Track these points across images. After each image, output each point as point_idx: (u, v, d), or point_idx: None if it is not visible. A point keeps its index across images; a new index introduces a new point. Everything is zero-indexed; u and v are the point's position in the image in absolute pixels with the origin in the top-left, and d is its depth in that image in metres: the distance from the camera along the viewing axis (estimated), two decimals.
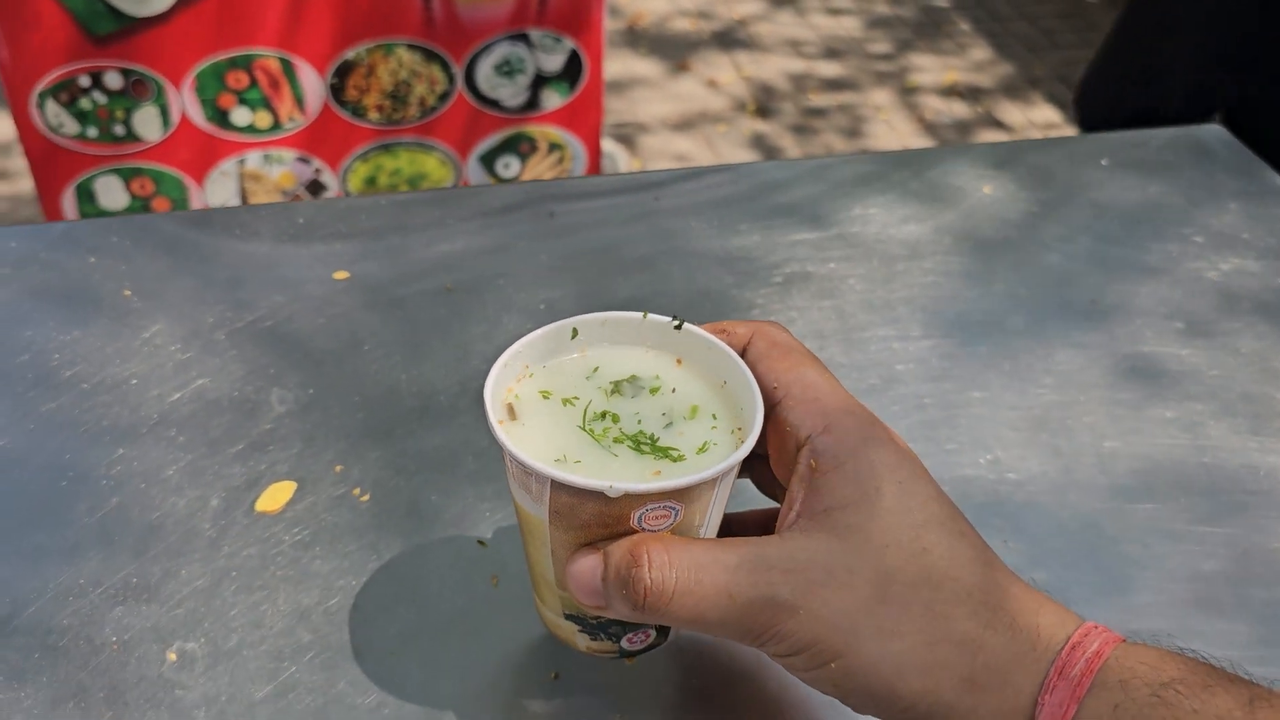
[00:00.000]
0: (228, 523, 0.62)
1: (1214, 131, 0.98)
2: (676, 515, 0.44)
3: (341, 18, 1.98)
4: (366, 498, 0.63)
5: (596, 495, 0.43)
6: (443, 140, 2.17)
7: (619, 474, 0.46)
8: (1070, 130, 3.11)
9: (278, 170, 2.13)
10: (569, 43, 2.10)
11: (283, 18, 1.97)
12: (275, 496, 0.63)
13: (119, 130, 1.99)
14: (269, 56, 1.96)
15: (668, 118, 3.24)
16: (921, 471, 0.46)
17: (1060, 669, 0.42)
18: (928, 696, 0.42)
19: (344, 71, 2.01)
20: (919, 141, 3.14)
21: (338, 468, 0.65)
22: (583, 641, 0.52)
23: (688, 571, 0.43)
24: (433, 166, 2.20)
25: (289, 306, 0.76)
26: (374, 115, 2.07)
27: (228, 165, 2.06)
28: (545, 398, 0.49)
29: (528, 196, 0.87)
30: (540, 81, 2.12)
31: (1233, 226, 0.87)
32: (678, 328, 0.50)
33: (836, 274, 0.82)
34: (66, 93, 1.91)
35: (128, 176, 2.05)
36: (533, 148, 2.22)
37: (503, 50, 2.08)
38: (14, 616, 0.57)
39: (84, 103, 1.93)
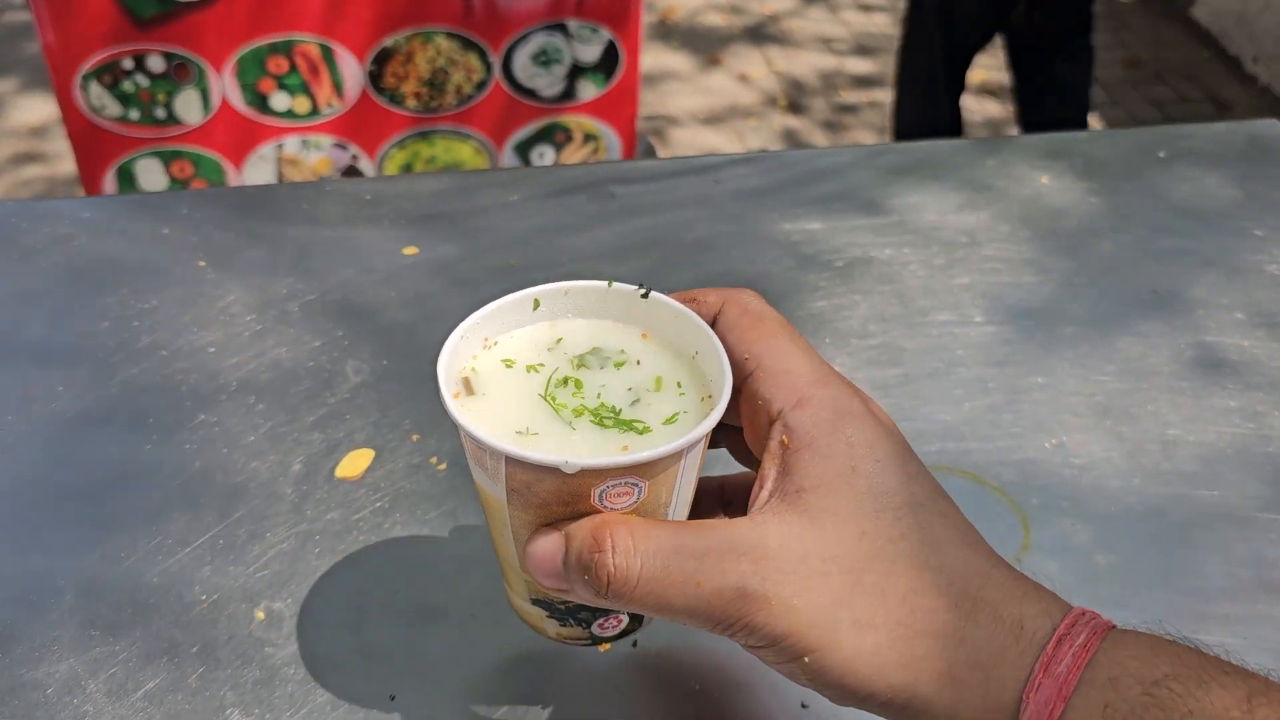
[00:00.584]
0: (309, 488, 0.63)
1: (1270, 126, 0.99)
2: (640, 493, 0.41)
3: (382, 5, 2.00)
4: (443, 466, 0.64)
5: (553, 471, 0.40)
6: (478, 129, 2.17)
7: (579, 449, 0.43)
8: (1106, 128, 3.10)
9: (315, 156, 2.14)
10: (606, 33, 2.10)
11: (324, 4, 1.98)
12: (355, 463, 0.65)
13: (160, 113, 2.00)
14: (309, 42, 1.98)
15: (698, 111, 3.25)
16: (902, 448, 0.43)
17: (1045, 665, 0.39)
18: (905, 692, 0.39)
19: (383, 59, 2.02)
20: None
21: (414, 437, 0.66)
22: (552, 628, 0.49)
23: (653, 557, 0.39)
24: (468, 155, 2.21)
25: (359, 280, 0.77)
26: (411, 103, 2.08)
27: (266, 150, 2.07)
28: (508, 366, 0.46)
29: (589, 178, 0.88)
30: (577, 72, 2.12)
31: None
32: (644, 296, 0.47)
33: (897, 259, 0.82)
34: (110, 75, 1.93)
35: (168, 159, 2.07)
36: (568, 138, 2.23)
37: (540, 40, 2.08)
38: (104, 574, 0.58)
39: (126, 85, 1.95)
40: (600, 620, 0.48)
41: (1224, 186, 0.92)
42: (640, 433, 0.44)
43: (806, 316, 0.77)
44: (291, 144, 2.06)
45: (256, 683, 0.53)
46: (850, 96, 3.32)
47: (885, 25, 3.66)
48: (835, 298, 0.78)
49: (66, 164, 2.71)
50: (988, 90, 3.34)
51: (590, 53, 2.11)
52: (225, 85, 1.96)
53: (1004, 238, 0.86)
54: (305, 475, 0.64)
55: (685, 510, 0.45)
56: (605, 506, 0.41)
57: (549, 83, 2.11)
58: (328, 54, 1.98)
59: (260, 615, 0.57)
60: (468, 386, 0.46)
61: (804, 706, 0.53)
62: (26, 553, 0.58)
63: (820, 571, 0.39)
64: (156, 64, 1.92)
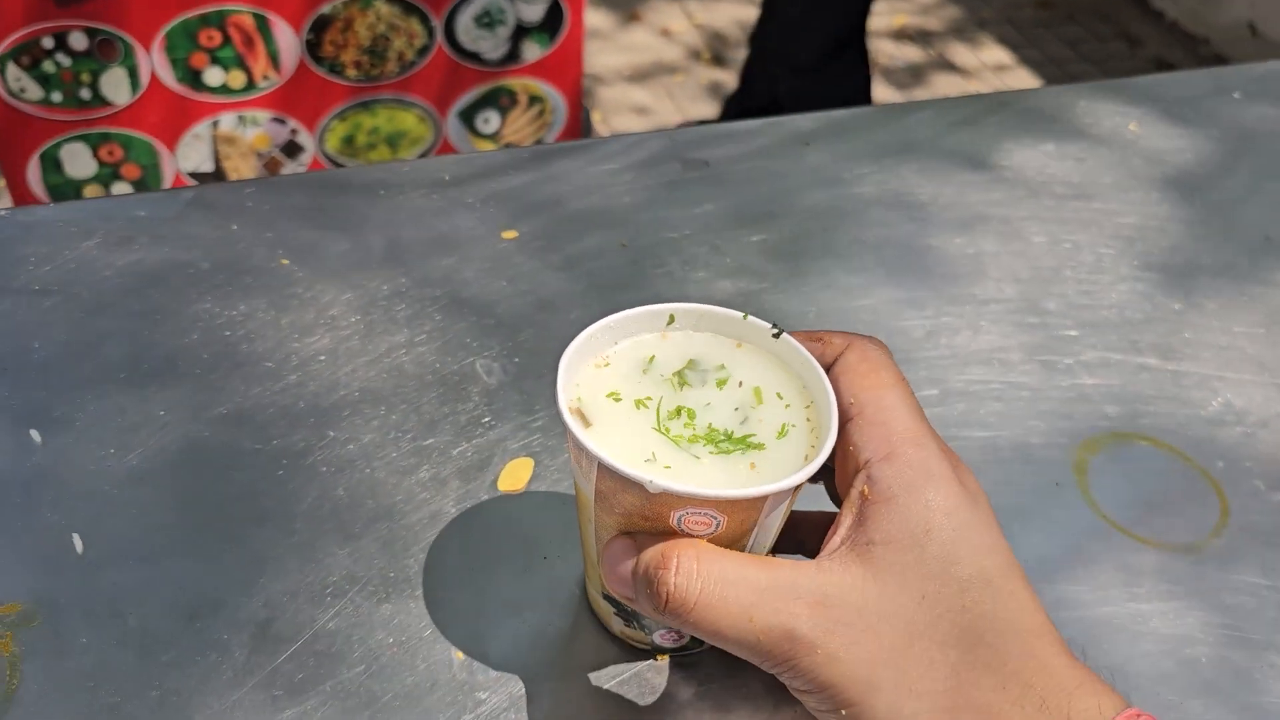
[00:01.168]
0: (474, 505, 0.57)
1: None
2: (718, 525, 0.42)
3: None
4: None
5: (637, 487, 0.41)
6: (422, 96, 2.08)
7: (712, 477, 0.43)
8: (1022, 70, 3.14)
9: (253, 132, 2.02)
10: None
11: None
12: (516, 474, 0.59)
13: (85, 94, 1.86)
14: (242, 12, 1.85)
15: (622, 69, 3.18)
16: (983, 520, 0.42)
17: None
18: None
19: (320, 27, 1.91)
20: (878, 88, 3.13)
21: None
22: (617, 625, 0.50)
23: (714, 585, 0.40)
24: (411, 124, 2.12)
25: (464, 270, 0.70)
26: (352, 72, 1.97)
27: (200, 128, 1.95)
28: (615, 401, 0.46)
29: (672, 145, 0.82)
30: (521, 32, 2.05)
31: None
32: (776, 336, 0.47)
33: (1014, 216, 0.79)
34: (28, 55, 1.78)
35: (95, 143, 1.93)
36: (513, 101, 2.15)
37: (483, 1, 2.00)
38: (272, 624, 0.51)
39: (47, 66, 1.80)
40: (662, 631, 0.49)
41: None
42: (753, 447, 0.44)
43: (937, 278, 0.73)
44: (227, 121, 1.94)
45: None
46: None
47: None
48: (962, 260, 0.75)
49: None
50: (906, 35, 3.35)
51: (534, 11, 2.03)
52: (154, 61, 1.82)
53: (1112, 189, 0.83)
54: (466, 492, 0.58)
55: (765, 546, 0.45)
56: (683, 530, 0.42)
57: (493, 45, 2.02)
58: (262, 24, 1.86)
59: (459, 656, 0.51)
60: (583, 419, 0.45)
61: None
62: (177, 610, 0.51)
63: (874, 628, 0.40)
64: (79, 41, 1.78)
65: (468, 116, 2.09)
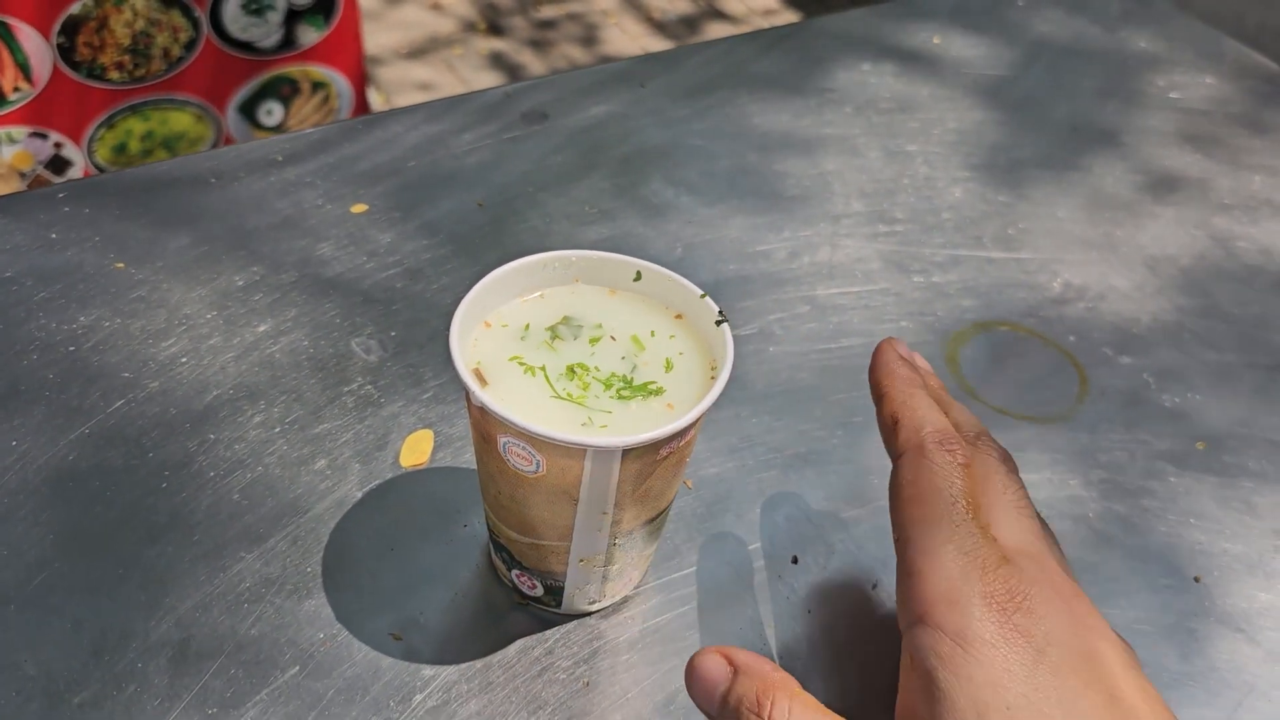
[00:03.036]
0: (381, 485, 0.55)
1: None
2: (538, 465, 0.42)
3: None
4: None
5: (477, 404, 0.42)
6: (195, 93, 1.97)
7: (628, 426, 0.43)
8: (788, 14, 3.24)
9: (9, 151, 1.87)
10: None
11: None
12: (417, 448, 0.57)
13: None
14: None
15: (398, 47, 3.10)
16: (1046, 681, 0.36)
17: None
18: None
19: (71, 29, 1.78)
20: (654, 42, 3.17)
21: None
22: (499, 565, 0.51)
23: None
24: (187, 124, 2.01)
25: (319, 250, 0.67)
26: (114, 75, 1.85)
27: None
28: (518, 365, 0.46)
29: (507, 100, 0.81)
30: (293, 16, 1.96)
31: (1160, 50, 0.94)
32: (719, 323, 0.46)
33: (848, 134, 0.82)
34: None
35: None
36: (295, 90, 2.07)
37: None
38: (190, 639, 0.48)
39: None
40: (518, 572, 0.49)
41: (1091, 24, 0.97)
42: (657, 392, 0.45)
43: (789, 200, 0.75)
44: None
45: (430, 712, 0.46)
46: (548, 11, 3.28)
47: None
48: (809, 180, 0.77)
49: None
50: None
51: None
52: None
53: (929, 100, 0.87)
54: (369, 473, 0.55)
55: (606, 512, 0.44)
56: (509, 461, 0.42)
57: (265, 32, 1.93)
58: (5, 31, 1.71)
59: (397, 637, 0.49)
60: (480, 378, 0.44)
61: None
62: (79, 648, 0.47)
63: None
64: None
65: (248, 110, 1.99)
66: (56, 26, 1.73)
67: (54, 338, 0.60)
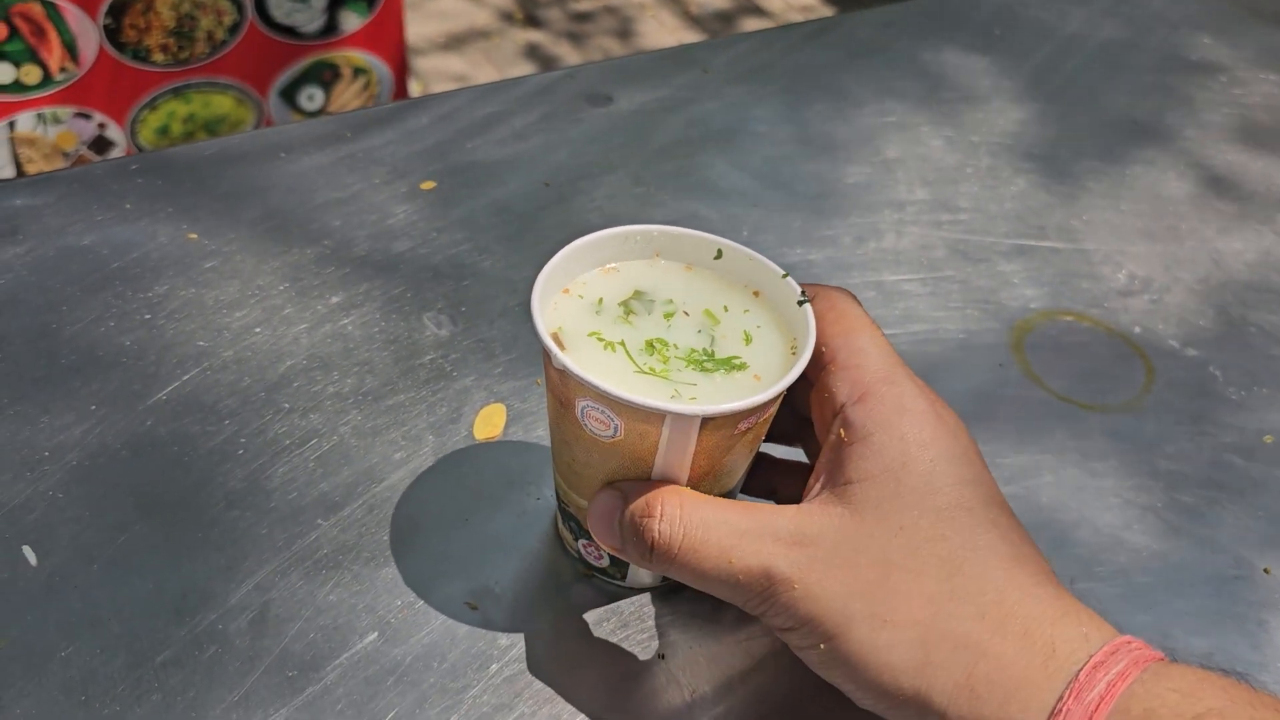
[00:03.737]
0: (455, 456, 0.55)
1: None
2: (616, 429, 0.42)
3: None
4: None
5: (553, 362, 0.42)
6: (238, 77, 1.98)
7: (714, 397, 0.44)
8: (827, 11, 3.23)
9: (55, 131, 1.89)
10: None
11: None
12: (490, 422, 0.57)
13: None
14: (29, 0, 1.72)
15: (435, 37, 3.11)
16: (962, 450, 0.42)
17: (1076, 691, 0.37)
18: (919, 698, 0.38)
19: (118, 11, 1.79)
20: (690, 35, 3.17)
21: (538, 381, 0.59)
22: (567, 538, 0.51)
23: (695, 529, 0.41)
24: (230, 107, 2.02)
25: (389, 225, 0.68)
26: (159, 57, 1.86)
27: None
28: (597, 339, 0.46)
29: (573, 83, 0.81)
30: (336, 2, 1.97)
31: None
32: (801, 303, 0.46)
33: (910, 123, 0.82)
34: None
35: None
36: (336, 75, 2.08)
37: None
38: (270, 603, 0.49)
39: None
40: (584, 542, 0.49)
41: (1153, 20, 0.97)
42: (740, 367, 0.45)
43: (852, 187, 0.75)
44: (25, 120, 1.80)
45: (508, 681, 0.46)
46: (586, 4, 3.28)
47: None
48: (873, 168, 0.77)
49: None
50: None
51: None
52: None
53: (991, 91, 0.87)
54: (442, 444, 0.56)
55: (682, 471, 0.44)
56: (586, 426, 0.43)
57: (308, 17, 1.94)
58: (53, 12, 1.73)
59: (473, 606, 0.49)
60: (559, 343, 0.45)
61: None
62: (161, 608, 0.48)
63: (850, 562, 0.40)
64: None
65: (289, 94, 2.00)
66: (104, 8, 1.74)
67: (130, 306, 0.61)
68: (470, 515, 0.53)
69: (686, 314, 0.47)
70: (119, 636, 0.47)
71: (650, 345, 0.45)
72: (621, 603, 0.50)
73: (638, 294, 0.48)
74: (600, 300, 0.47)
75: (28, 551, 0.50)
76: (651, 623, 0.49)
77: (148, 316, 0.60)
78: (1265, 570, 0.55)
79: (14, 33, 1.70)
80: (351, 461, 0.54)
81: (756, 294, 0.48)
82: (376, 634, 0.48)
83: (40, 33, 1.74)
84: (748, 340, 0.46)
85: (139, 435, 0.55)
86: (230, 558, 0.50)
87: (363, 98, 2.09)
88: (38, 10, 1.70)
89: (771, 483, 0.50)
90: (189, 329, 0.60)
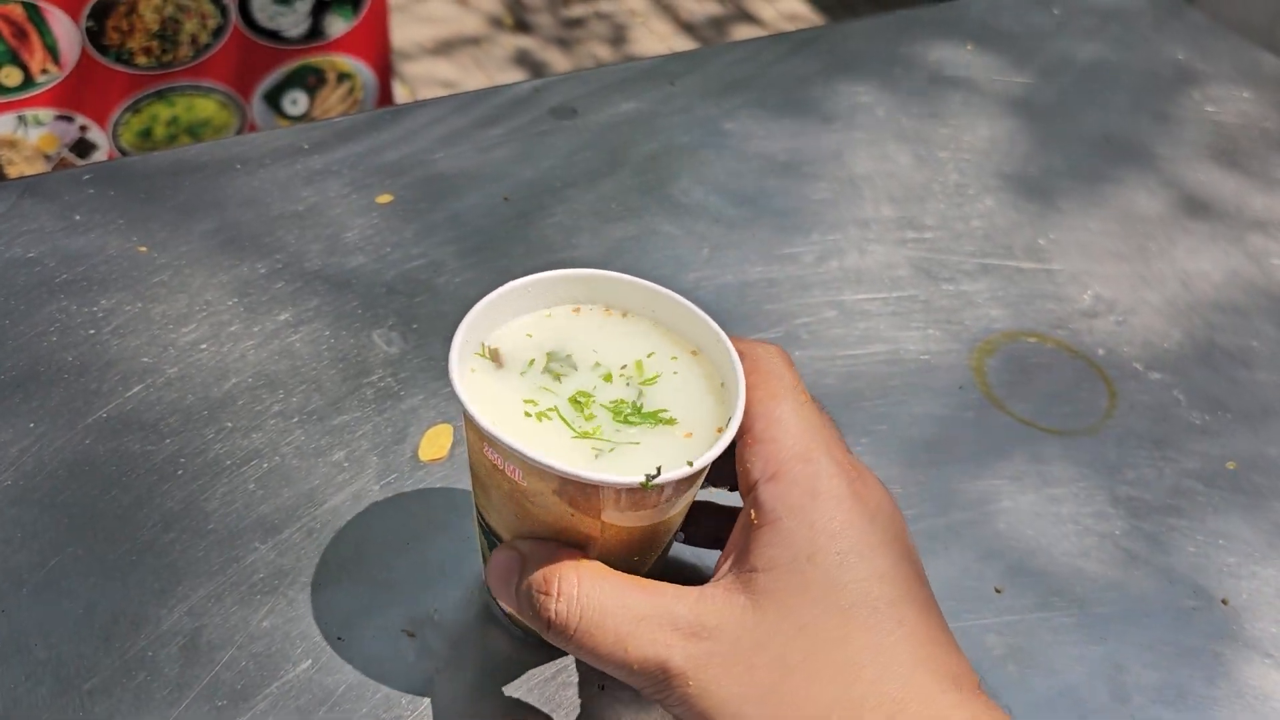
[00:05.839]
0: (399, 479, 0.54)
1: None
2: (519, 476, 0.40)
3: None
4: None
5: (470, 421, 0.40)
6: (221, 81, 1.97)
7: (642, 457, 0.41)
8: (816, 19, 3.23)
9: (36, 133, 1.88)
10: None
11: None
12: (436, 443, 0.56)
13: None
14: (10, 2, 1.71)
15: (424, 42, 3.11)
16: (878, 539, 0.39)
17: None
18: None
19: (101, 13, 1.78)
20: (682, 43, 3.16)
21: None
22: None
23: (593, 612, 0.39)
24: (213, 110, 2.01)
25: (342, 239, 0.67)
26: (142, 60, 1.85)
27: None
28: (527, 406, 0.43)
29: (536, 95, 0.80)
30: (321, 6, 1.96)
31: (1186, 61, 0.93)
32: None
33: (879, 139, 0.81)
34: None
35: None
36: (320, 80, 2.07)
37: None
38: (201, 629, 0.48)
39: None
40: None
41: (1125, 35, 0.96)
42: (668, 422, 0.42)
43: (817, 204, 0.74)
44: (5, 123, 1.79)
45: (444, 711, 0.45)
46: (576, 10, 3.27)
47: None
48: (839, 184, 0.76)
49: None
50: None
51: None
52: None
53: (961, 107, 0.86)
54: (386, 466, 0.55)
55: (590, 531, 0.42)
56: (504, 470, 0.40)
57: (293, 21, 1.93)
58: (35, 14, 1.72)
59: (410, 635, 0.48)
60: (495, 357, 0.43)
61: None
62: (90, 633, 0.47)
63: (748, 661, 0.38)
64: None
65: (273, 99, 1.99)
66: (86, 10, 1.73)
67: (74, 320, 0.60)
68: (412, 540, 0.52)
69: (616, 367, 0.45)
70: (45, 663, 0.46)
71: (575, 400, 0.43)
72: None
73: (557, 353, 0.45)
74: (530, 362, 0.44)
75: None
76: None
77: (92, 331, 0.59)
78: (1223, 601, 0.54)
79: None
80: (293, 483, 0.53)
81: (694, 352, 0.46)
82: (310, 662, 0.47)
83: (22, 34, 1.73)
84: (676, 393, 0.44)
85: (77, 454, 0.54)
86: (164, 581, 0.49)
87: (347, 103, 2.08)
88: (19, 12, 1.69)
89: (718, 531, 0.47)
90: (134, 345, 0.59)
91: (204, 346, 0.59)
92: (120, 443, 0.54)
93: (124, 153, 1.91)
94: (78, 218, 0.65)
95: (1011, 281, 0.71)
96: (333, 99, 2.07)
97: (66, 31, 1.74)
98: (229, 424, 0.56)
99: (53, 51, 1.74)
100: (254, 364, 0.59)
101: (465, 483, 0.54)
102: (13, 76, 1.74)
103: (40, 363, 0.57)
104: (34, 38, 1.74)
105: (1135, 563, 0.55)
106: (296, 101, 2.01)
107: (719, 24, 3.29)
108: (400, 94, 2.83)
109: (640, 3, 3.34)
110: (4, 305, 0.60)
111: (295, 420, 0.56)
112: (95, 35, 1.75)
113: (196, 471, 0.53)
